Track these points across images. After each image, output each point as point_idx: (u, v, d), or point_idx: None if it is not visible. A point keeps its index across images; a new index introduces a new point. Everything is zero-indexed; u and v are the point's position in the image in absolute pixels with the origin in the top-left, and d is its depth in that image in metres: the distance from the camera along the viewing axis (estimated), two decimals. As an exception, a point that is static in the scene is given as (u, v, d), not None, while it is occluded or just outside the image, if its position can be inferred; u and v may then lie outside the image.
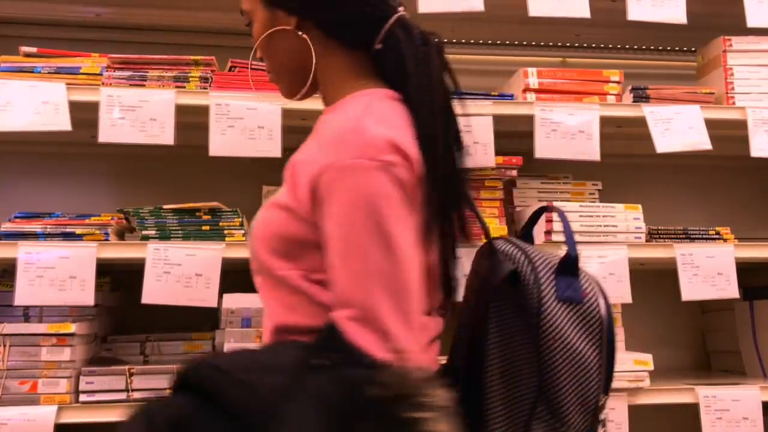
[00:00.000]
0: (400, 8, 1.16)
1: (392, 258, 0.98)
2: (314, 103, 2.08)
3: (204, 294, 1.88)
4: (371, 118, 1.04)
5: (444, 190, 1.09)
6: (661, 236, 2.24)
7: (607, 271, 2.07)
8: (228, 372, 0.94)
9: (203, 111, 1.98)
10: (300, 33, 1.16)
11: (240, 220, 2.03)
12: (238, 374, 0.93)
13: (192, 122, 1.99)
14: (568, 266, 1.11)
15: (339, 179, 0.99)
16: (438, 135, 1.09)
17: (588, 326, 1.08)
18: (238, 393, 0.92)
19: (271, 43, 1.19)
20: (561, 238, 2.10)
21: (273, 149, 1.95)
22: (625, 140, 2.48)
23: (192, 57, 2.08)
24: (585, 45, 2.77)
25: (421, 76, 1.11)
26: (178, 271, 1.88)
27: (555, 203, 2.12)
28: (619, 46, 2.80)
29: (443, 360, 1.19)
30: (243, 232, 2.00)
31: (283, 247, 1.07)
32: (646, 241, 2.19)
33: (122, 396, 1.92)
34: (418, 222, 1.04)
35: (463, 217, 1.15)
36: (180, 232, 2.00)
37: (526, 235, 1.35)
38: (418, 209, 1.05)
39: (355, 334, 0.96)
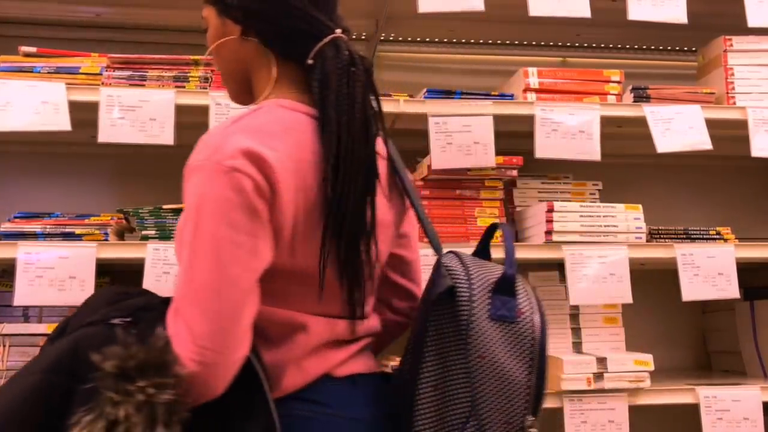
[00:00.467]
0: (338, 30, 1.23)
1: (209, 255, 1.03)
2: (314, 103, 2.09)
3: (204, 294, 1.87)
4: (237, 125, 1.10)
5: (342, 209, 1.11)
6: (662, 236, 2.24)
7: (608, 271, 2.07)
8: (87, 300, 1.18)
9: (203, 111, 1.98)
10: (244, 40, 1.24)
11: (240, 220, 2.02)
12: (80, 309, 1.15)
13: (192, 122, 1.99)
14: (504, 285, 1.13)
15: (187, 179, 1.08)
16: (349, 153, 1.13)
17: (519, 345, 1.10)
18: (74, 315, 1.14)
19: (220, 49, 1.27)
20: (561, 238, 2.10)
21: (273, 149, 1.95)
22: (625, 140, 2.47)
23: (192, 57, 2.08)
24: (585, 45, 2.77)
25: (341, 95, 1.16)
26: (178, 271, 1.87)
27: (554, 203, 2.12)
28: (619, 46, 2.80)
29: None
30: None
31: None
32: (647, 241, 2.19)
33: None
34: (267, 229, 1.07)
35: (367, 241, 1.16)
36: (180, 232, 2.00)
37: (483, 250, 1.37)
38: (284, 215, 1.08)
39: (169, 324, 1.04)
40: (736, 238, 2.26)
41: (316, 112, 1.17)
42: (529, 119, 2.13)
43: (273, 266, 1.09)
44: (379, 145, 1.24)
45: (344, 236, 1.12)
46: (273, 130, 1.11)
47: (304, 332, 1.14)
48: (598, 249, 2.09)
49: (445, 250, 1.26)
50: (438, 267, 1.19)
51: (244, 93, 1.30)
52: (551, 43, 2.76)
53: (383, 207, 1.24)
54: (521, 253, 2.12)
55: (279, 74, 1.23)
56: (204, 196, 1.05)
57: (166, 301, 1.08)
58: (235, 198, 1.04)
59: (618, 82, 2.28)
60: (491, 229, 1.38)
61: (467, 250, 2.02)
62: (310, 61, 1.19)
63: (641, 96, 2.30)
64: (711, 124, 2.20)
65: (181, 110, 1.97)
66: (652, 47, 2.81)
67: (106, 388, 0.92)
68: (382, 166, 1.24)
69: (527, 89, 2.23)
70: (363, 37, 2.65)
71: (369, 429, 1.16)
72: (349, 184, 1.12)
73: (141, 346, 0.96)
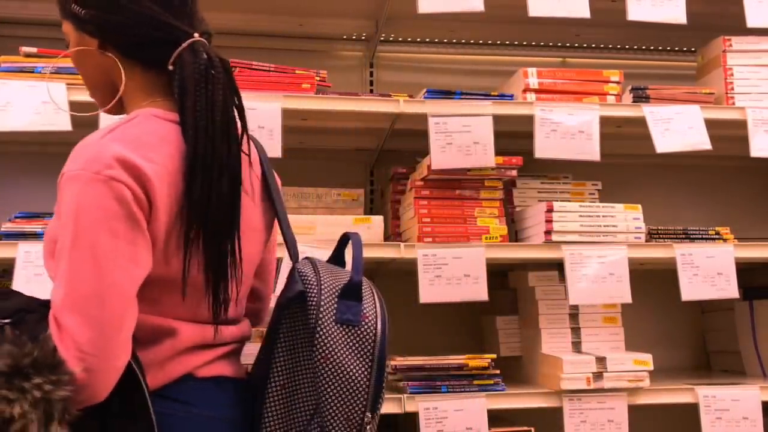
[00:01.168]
0: (196, 34, 1.22)
1: (90, 263, 1.04)
2: (315, 103, 2.09)
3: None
4: (113, 135, 1.12)
5: (207, 210, 1.13)
6: (661, 236, 2.24)
7: (607, 271, 2.07)
8: None
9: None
10: (103, 53, 1.24)
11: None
12: None
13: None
14: (351, 291, 1.19)
15: (63, 188, 1.10)
16: (208, 157, 1.14)
17: (361, 347, 1.16)
18: None
19: (83, 62, 1.28)
20: (561, 238, 2.11)
21: (273, 149, 1.95)
22: (624, 140, 2.48)
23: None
24: (585, 45, 2.78)
25: (199, 97, 1.16)
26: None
27: (554, 203, 2.13)
28: (619, 46, 2.80)
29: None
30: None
31: (53, 250, 1.14)
32: (646, 241, 2.19)
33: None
34: (145, 238, 1.09)
35: (231, 244, 1.18)
36: (180, 232, 2.00)
37: (337, 257, 1.40)
38: (160, 224, 1.10)
39: (52, 332, 1.03)
40: (735, 238, 2.27)
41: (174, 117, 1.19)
42: (529, 119, 2.13)
43: (148, 274, 1.11)
44: (250, 148, 1.26)
45: (207, 240, 1.14)
46: (149, 141, 1.13)
47: (172, 337, 1.16)
48: (597, 249, 2.09)
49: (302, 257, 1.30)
50: (292, 273, 1.23)
51: (114, 104, 1.29)
52: (551, 44, 2.76)
53: (251, 211, 1.27)
54: (521, 253, 2.13)
55: (145, 82, 1.24)
56: (82, 205, 1.06)
57: (45, 304, 1.09)
58: (115, 207, 1.06)
59: (617, 83, 2.29)
60: (344, 239, 1.40)
61: (462, 250, 2.03)
62: (170, 67, 1.20)
63: (641, 96, 2.30)
64: (710, 124, 2.21)
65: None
66: (652, 47, 2.81)
67: None
68: (248, 170, 1.25)
69: (527, 89, 2.23)
70: (363, 37, 2.66)
71: (227, 427, 1.19)
72: (209, 188, 1.13)
73: (34, 344, 0.96)
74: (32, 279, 1.84)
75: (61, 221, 1.07)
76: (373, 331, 1.18)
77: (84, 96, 1.97)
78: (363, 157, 2.61)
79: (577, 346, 2.21)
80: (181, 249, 1.13)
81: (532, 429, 2.06)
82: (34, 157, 2.44)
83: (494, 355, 2.06)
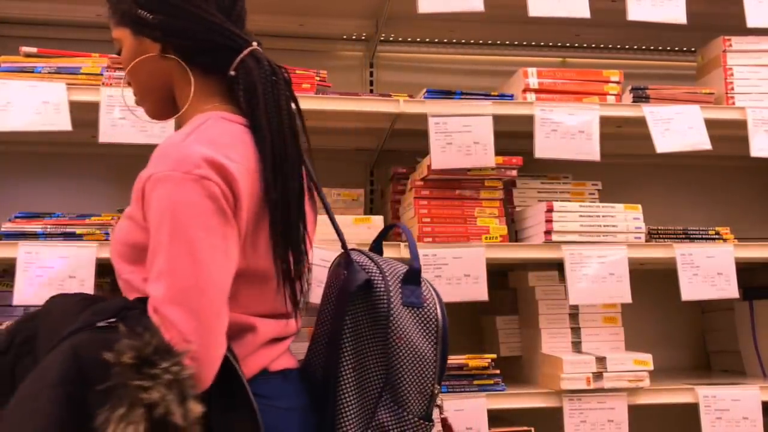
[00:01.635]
0: (254, 42, 1.29)
1: (188, 258, 1.09)
2: (315, 103, 2.09)
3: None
4: (195, 136, 1.17)
5: (285, 207, 1.22)
6: (661, 236, 2.24)
7: (607, 271, 2.07)
8: (50, 308, 1.18)
9: (203, 111, 1.98)
10: (165, 57, 1.28)
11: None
12: (55, 314, 1.15)
13: (192, 122, 1.99)
14: (412, 277, 1.32)
15: (153, 189, 1.12)
16: (282, 156, 1.22)
17: (426, 327, 1.29)
18: (45, 324, 1.14)
19: (139, 68, 1.30)
20: (561, 238, 2.11)
21: (273, 149, 1.95)
22: (624, 140, 2.48)
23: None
24: (585, 45, 2.78)
25: (269, 101, 1.25)
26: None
27: (554, 203, 2.13)
28: (619, 46, 2.80)
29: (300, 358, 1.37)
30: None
31: (128, 253, 1.20)
32: (646, 241, 2.19)
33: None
34: (235, 233, 1.14)
35: (304, 241, 1.27)
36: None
37: (377, 247, 1.57)
38: (243, 221, 1.16)
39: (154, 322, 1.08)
40: (735, 238, 2.27)
41: (246, 120, 1.25)
42: (529, 119, 2.13)
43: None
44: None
45: (289, 237, 1.22)
46: (226, 142, 1.18)
47: (253, 333, 1.22)
48: (597, 249, 2.09)
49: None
50: (350, 263, 1.34)
51: (165, 109, 1.34)
52: (551, 44, 2.76)
53: (308, 207, 1.34)
54: (521, 253, 2.13)
55: (203, 87, 1.28)
56: (177, 203, 1.10)
57: (143, 300, 1.12)
58: (208, 204, 1.11)
59: (617, 83, 2.29)
60: (388, 228, 1.55)
61: (462, 250, 2.03)
62: (232, 73, 1.26)
63: (641, 96, 2.30)
64: (710, 124, 2.21)
65: (181, 110, 1.97)
66: (652, 47, 2.81)
67: (131, 379, 0.95)
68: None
69: (527, 89, 2.23)
70: (363, 37, 2.66)
71: (300, 417, 1.25)
72: (287, 187, 1.22)
73: (151, 333, 1.00)
74: (34, 280, 1.85)
75: (154, 221, 1.11)
76: (434, 312, 1.30)
77: (84, 96, 1.98)
78: (363, 157, 2.61)
79: (577, 346, 2.21)
80: (258, 245, 1.19)
81: (532, 429, 2.06)
82: (34, 157, 2.44)
83: (494, 355, 2.06)
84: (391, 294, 1.27)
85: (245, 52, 1.27)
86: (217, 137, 1.18)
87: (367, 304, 1.30)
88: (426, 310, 1.29)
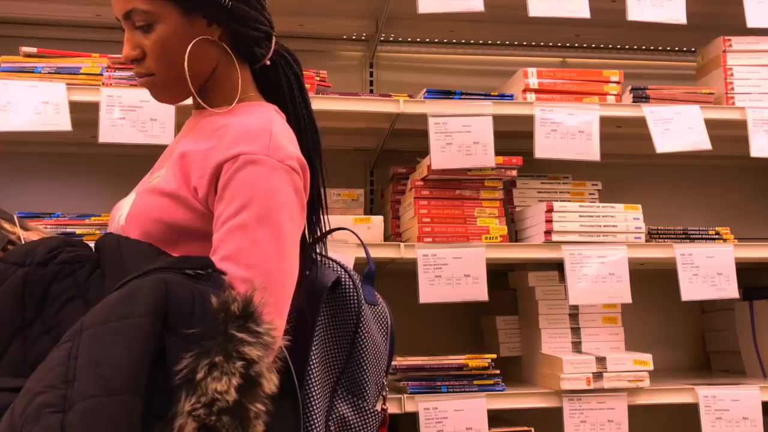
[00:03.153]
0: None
1: (274, 243, 1.08)
2: (315, 103, 2.08)
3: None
4: (277, 127, 1.16)
5: (321, 204, 1.27)
6: (661, 236, 2.24)
7: (607, 271, 2.07)
8: (121, 244, 1.11)
9: (203, 111, 1.98)
10: (217, 42, 1.23)
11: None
12: (128, 250, 1.10)
13: (192, 122, 1.99)
14: (370, 277, 1.35)
15: (245, 168, 1.09)
16: (319, 153, 1.27)
17: (381, 324, 1.33)
18: (112, 257, 1.09)
19: (183, 50, 1.20)
20: (561, 238, 2.11)
21: (273, 149, 1.95)
22: (624, 140, 2.48)
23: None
24: (585, 45, 2.78)
25: (305, 96, 1.28)
26: (179, 271, 1.88)
27: (554, 203, 2.13)
28: (619, 46, 2.80)
29: None
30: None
31: (160, 232, 1.14)
32: (646, 241, 2.19)
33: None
34: (301, 231, 1.17)
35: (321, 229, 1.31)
36: (180, 232, 2.00)
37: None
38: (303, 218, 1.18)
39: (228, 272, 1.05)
40: (735, 239, 2.27)
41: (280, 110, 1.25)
42: (529, 119, 2.13)
43: None
44: None
45: (323, 230, 1.29)
46: (293, 138, 1.19)
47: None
48: (597, 249, 2.09)
49: None
50: (314, 262, 1.34)
51: (183, 94, 1.25)
52: (551, 44, 2.76)
53: None
54: (521, 253, 2.13)
55: (243, 76, 1.26)
56: (270, 188, 1.09)
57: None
58: (294, 196, 1.12)
59: (617, 83, 2.29)
60: (328, 231, 1.50)
61: (462, 250, 2.03)
62: (267, 62, 1.27)
63: (640, 96, 2.30)
64: (710, 124, 2.21)
65: (181, 110, 1.97)
66: (652, 47, 2.81)
67: (235, 330, 0.91)
68: None
69: (527, 89, 2.23)
70: (363, 37, 2.66)
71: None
72: (324, 180, 1.28)
73: (251, 295, 0.96)
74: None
75: (239, 199, 1.08)
76: (386, 311, 1.34)
77: (84, 96, 1.98)
78: (363, 157, 2.61)
79: (577, 346, 2.21)
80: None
81: (532, 429, 2.07)
82: (34, 157, 2.44)
83: (494, 355, 2.06)
84: (360, 291, 1.29)
85: (275, 42, 1.28)
86: (288, 132, 1.19)
87: (332, 301, 1.30)
88: (381, 308, 1.34)
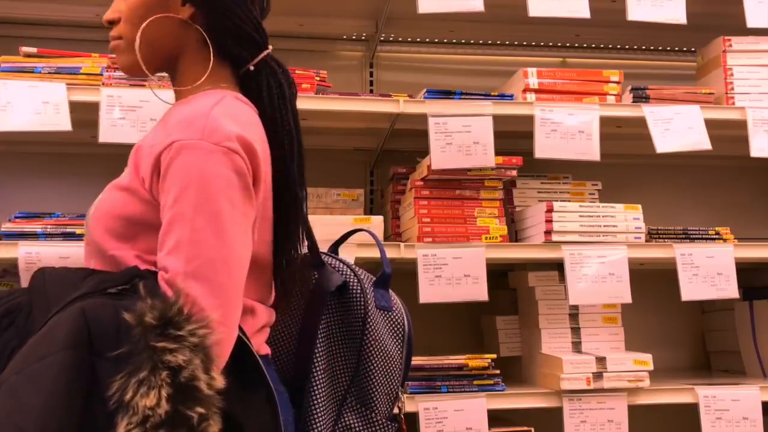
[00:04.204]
0: (270, 46, 1.27)
1: (214, 230, 1.04)
2: (315, 103, 2.09)
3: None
4: (221, 109, 1.12)
5: (291, 200, 1.22)
6: (661, 236, 2.24)
7: (607, 271, 2.07)
8: (45, 279, 1.08)
9: (203, 111, 1.97)
10: (189, 24, 1.21)
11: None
12: (51, 283, 1.06)
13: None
14: (383, 281, 1.32)
15: (179, 156, 1.06)
16: (294, 159, 1.23)
17: (396, 330, 1.29)
18: (38, 295, 1.05)
19: (152, 24, 1.20)
20: (561, 238, 2.11)
21: (273, 149, 1.95)
22: (624, 140, 2.48)
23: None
24: (585, 45, 2.78)
25: (292, 105, 1.26)
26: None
27: (554, 203, 2.13)
28: (618, 46, 2.80)
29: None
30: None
31: (120, 228, 1.12)
32: (646, 241, 2.19)
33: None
34: (253, 213, 1.12)
35: (300, 230, 1.26)
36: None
37: (335, 250, 1.49)
38: (259, 203, 1.13)
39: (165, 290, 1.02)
40: (735, 238, 2.27)
41: (256, 110, 1.22)
42: (529, 119, 2.13)
43: None
44: None
45: (297, 227, 1.23)
46: (248, 121, 1.15)
47: (253, 316, 1.18)
48: (597, 249, 2.09)
49: None
50: (322, 264, 1.33)
51: (150, 70, 1.24)
52: (551, 44, 2.76)
53: None
54: (521, 253, 2.13)
55: (217, 70, 1.23)
56: (205, 173, 1.05)
57: (152, 271, 1.06)
58: (235, 178, 1.07)
59: (617, 83, 2.29)
60: (349, 234, 1.51)
61: (462, 250, 2.03)
62: (251, 68, 1.24)
63: (640, 96, 2.30)
64: (710, 124, 2.21)
65: (181, 110, 1.97)
66: (652, 47, 2.81)
67: (154, 341, 0.89)
68: None
69: (527, 89, 2.23)
70: (363, 38, 2.66)
71: (285, 400, 1.22)
72: (303, 184, 1.24)
73: (174, 296, 0.95)
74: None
75: (175, 189, 1.05)
76: (402, 317, 1.31)
77: (84, 96, 1.98)
78: (363, 157, 2.61)
79: (577, 346, 2.21)
80: (262, 230, 1.16)
81: (532, 429, 2.07)
82: (34, 157, 2.44)
83: (494, 355, 2.06)
84: (368, 296, 1.27)
85: (267, 51, 1.25)
86: (238, 114, 1.14)
87: (340, 306, 1.29)
88: (396, 314, 1.30)
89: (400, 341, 1.29)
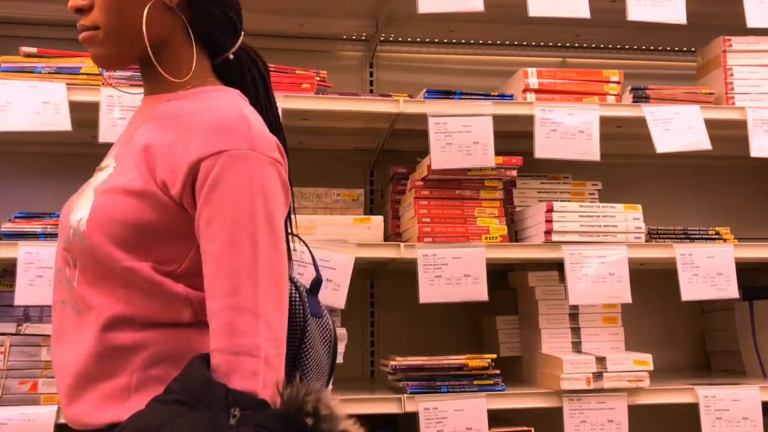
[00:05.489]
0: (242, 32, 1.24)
1: (276, 248, 1.02)
2: (315, 103, 2.09)
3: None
4: (249, 112, 1.08)
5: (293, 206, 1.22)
6: (661, 236, 2.24)
7: (607, 271, 2.07)
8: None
9: (203, 111, 1.97)
10: (174, 10, 1.14)
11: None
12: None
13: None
14: (315, 288, 1.29)
15: (232, 167, 1.00)
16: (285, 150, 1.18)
17: (324, 336, 1.26)
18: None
19: (133, 8, 1.11)
20: (561, 238, 2.11)
21: (273, 149, 1.95)
22: (624, 140, 2.48)
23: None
24: (585, 45, 2.78)
25: (269, 94, 1.23)
26: (179, 271, 1.88)
27: (554, 203, 2.13)
28: (618, 46, 2.80)
29: None
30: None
31: (129, 236, 1.05)
32: (646, 241, 2.19)
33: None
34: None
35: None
36: (180, 232, 2.00)
37: None
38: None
39: (234, 324, 0.98)
40: (735, 238, 2.27)
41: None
42: (529, 119, 2.13)
43: None
44: None
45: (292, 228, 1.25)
46: (261, 120, 1.12)
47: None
48: (597, 249, 2.09)
49: None
50: None
51: (125, 60, 1.17)
52: (551, 44, 2.76)
53: None
54: (521, 253, 2.13)
55: (200, 59, 1.18)
56: (263, 186, 1.02)
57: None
58: (281, 191, 1.06)
59: (617, 83, 2.29)
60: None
61: (462, 250, 2.03)
62: (231, 56, 1.19)
63: (640, 96, 2.30)
64: (710, 124, 2.21)
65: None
66: (652, 47, 2.81)
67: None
68: None
69: (527, 89, 2.23)
70: (363, 38, 2.66)
71: None
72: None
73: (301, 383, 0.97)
74: (36, 281, 1.85)
75: (234, 202, 1.00)
76: (329, 322, 1.27)
77: (84, 96, 1.98)
78: (363, 157, 2.61)
79: (577, 346, 2.21)
80: None
81: (532, 429, 2.07)
82: (34, 157, 2.44)
83: (494, 355, 2.06)
84: (306, 303, 1.23)
85: (242, 39, 1.20)
86: (257, 115, 1.10)
87: None
88: (325, 320, 1.27)
89: (327, 347, 1.26)
